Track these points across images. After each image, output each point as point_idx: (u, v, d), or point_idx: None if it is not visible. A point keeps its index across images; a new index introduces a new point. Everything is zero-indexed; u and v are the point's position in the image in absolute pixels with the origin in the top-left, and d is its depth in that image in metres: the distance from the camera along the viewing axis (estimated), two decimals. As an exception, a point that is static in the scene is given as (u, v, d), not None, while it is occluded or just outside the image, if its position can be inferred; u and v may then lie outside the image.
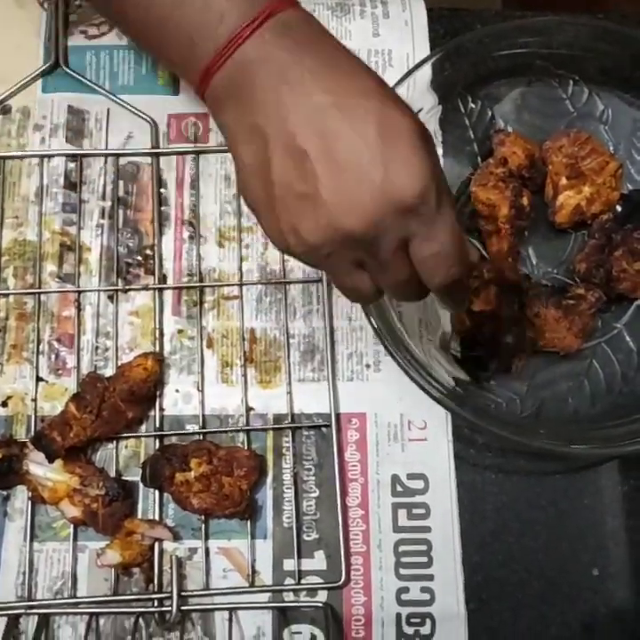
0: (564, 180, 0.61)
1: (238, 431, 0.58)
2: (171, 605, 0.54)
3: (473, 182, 0.61)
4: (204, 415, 0.59)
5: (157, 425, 0.58)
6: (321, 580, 0.56)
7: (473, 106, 0.65)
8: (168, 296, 0.61)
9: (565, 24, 0.63)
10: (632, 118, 0.64)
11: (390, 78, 0.63)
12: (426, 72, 0.62)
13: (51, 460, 0.54)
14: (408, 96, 0.62)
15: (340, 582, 0.55)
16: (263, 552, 0.56)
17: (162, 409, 0.59)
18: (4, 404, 0.58)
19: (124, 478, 0.57)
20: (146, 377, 0.56)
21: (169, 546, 0.56)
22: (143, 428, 0.58)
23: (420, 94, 0.63)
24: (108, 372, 0.59)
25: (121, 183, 0.63)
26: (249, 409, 0.59)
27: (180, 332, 0.61)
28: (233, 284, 0.61)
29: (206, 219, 0.63)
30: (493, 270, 0.59)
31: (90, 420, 0.55)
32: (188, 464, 0.55)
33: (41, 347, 0.60)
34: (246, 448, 0.58)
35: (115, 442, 0.58)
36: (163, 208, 0.63)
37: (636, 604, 0.56)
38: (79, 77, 0.65)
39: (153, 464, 0.56)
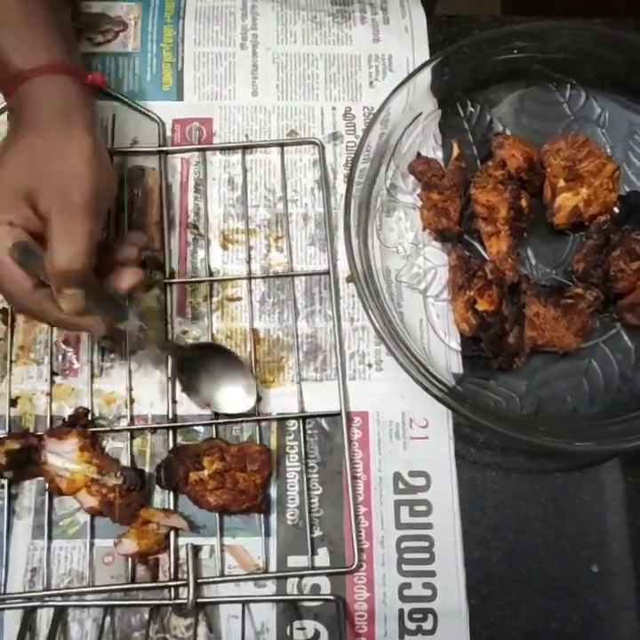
0: (561, 183, 0.62)
1: (248, 422, 0.59)
2: (187, 594, 0.55)
3: (472, 185, 0.62)
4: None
5: (170, 417, 0.59)
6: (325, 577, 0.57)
7: (472, 110, 0.66)
8: (173, 298, 0.62)
9: (562, 29, 0.64)
10: (628, 121, 0.66)
11: (391, 83, 0.65)
12: (425, 77, 0.63)
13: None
14: (408, 100, 0.63)
15: (353, 566, 0.56)
16: (268, 549, 0.57)
17: (174, 401, 0.60)
18: (13, 404, 0.59)
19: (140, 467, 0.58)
20: None
21: (182, 539, 0.57)
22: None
23: (419, 98, 0.64)
24: (114, 372, 0.60)
25: (126, 187, 0.64)
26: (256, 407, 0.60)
27: (184, 333, 0.62)
28: (242, 278, 0.63)
29: (210, 221, 0.64)
30: (495, 271, 0.60)
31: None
32: (200, 463, 0.56)
33: (48, 348, 0.61)
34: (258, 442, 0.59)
35: (128, 433, 0.59)
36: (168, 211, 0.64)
37: (635, 601, 0.57)
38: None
39: (167, 466, 0.57)
